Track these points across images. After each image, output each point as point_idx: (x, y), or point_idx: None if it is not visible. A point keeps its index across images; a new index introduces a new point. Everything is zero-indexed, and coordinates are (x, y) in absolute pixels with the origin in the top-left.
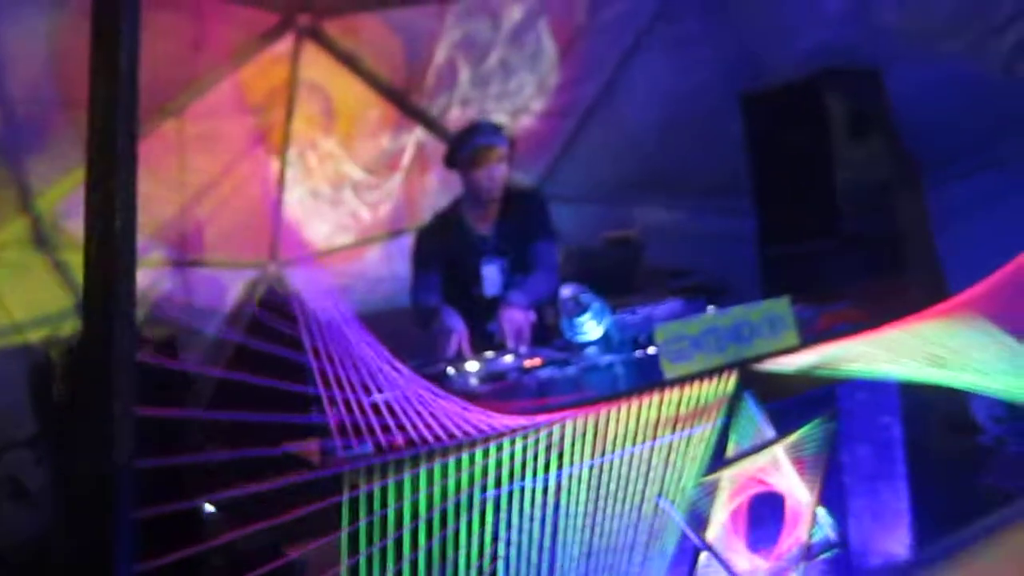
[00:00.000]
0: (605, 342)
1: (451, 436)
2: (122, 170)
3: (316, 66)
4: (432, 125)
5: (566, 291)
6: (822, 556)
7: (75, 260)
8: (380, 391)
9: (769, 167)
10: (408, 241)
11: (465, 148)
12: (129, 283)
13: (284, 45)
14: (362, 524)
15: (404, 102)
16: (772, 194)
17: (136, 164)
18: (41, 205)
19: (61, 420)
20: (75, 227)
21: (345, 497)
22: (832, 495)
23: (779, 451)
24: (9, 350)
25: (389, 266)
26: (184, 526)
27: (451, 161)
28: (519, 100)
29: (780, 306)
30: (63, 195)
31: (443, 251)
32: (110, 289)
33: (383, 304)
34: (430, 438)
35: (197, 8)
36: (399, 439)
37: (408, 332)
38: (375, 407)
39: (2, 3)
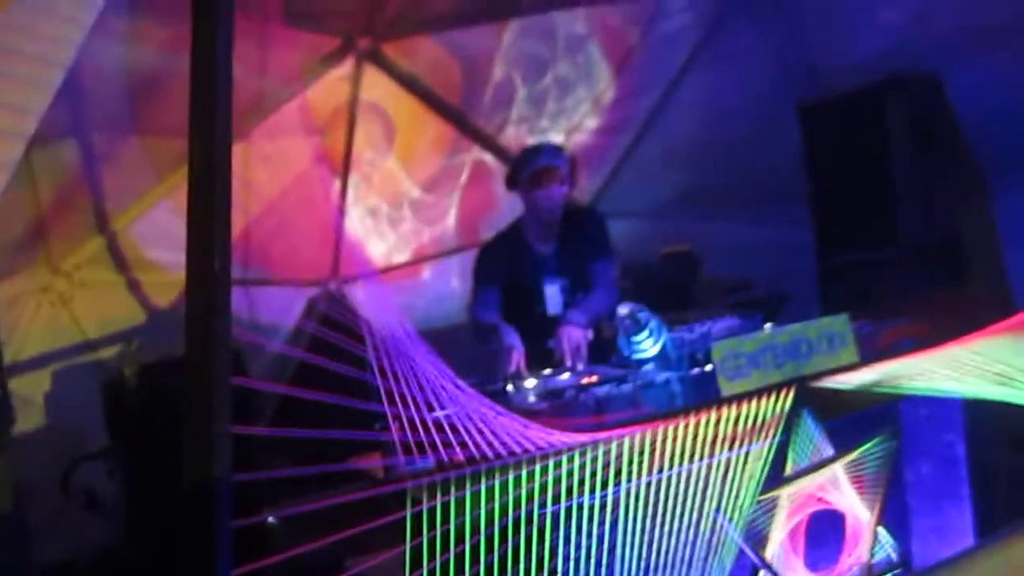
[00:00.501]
0: (662, 359)
1: (511, 453)
2: (220, 199)
3: (376, 87)
4: (489, 144)
5: (623, 309)
6: None
7: (147, 279)
8: (443, 408)
9: (828, 177)
10: (465, 259)
11: (526, 169)
12: (227, 307)
13: (345, 68)
14: (424, 539)
15: (462, 121)
16: (831, 204)
17: (231, 194)
18: (116, 226)
19: (134, 434)
20: (148, 247)
21: (407, 512)
22: (895, 514)
23: (839, 469)
24: (83, 365)
25: (447, 283)
26: (250, 539)
27: (512, 182)
28: (575, 118)
29: (839, 323)
30: (137, 217)
31: (503, 269)
32: (211, 313)
33: (442, 322)
34: (491, 455)
35: (262, 33)
36: (460, 455)
37: (466, 349)
38: (437, 424)
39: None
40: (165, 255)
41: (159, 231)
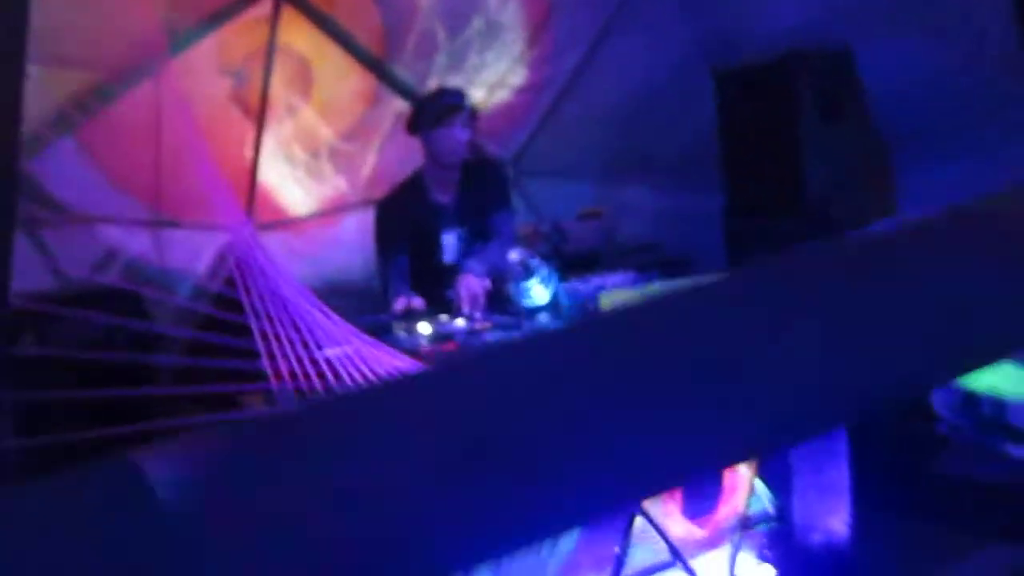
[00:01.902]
0: (555, 309)
1: (379, 379)
2: None
3: (295, 31)
4: (410, 95)
5: (514, 255)
6: (759, 528)
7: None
8: (319, 345)
9: (739, 143)
10: None
11: (431, 107)
12: None
13: (263, 8)
14: None
15: (383, 71)
16: (740, 170)
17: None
18: None
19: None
20: (47, 184)
21: None
22: (774, 470)
23: None
24: None
25: (365, 236)
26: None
27: (415, 124)
28: (496, 73)
29: None
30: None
31: (404, 223)
32: None
33: (358, 273)
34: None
35: None
36: (335, 386)
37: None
38: (314, 363)
39: None
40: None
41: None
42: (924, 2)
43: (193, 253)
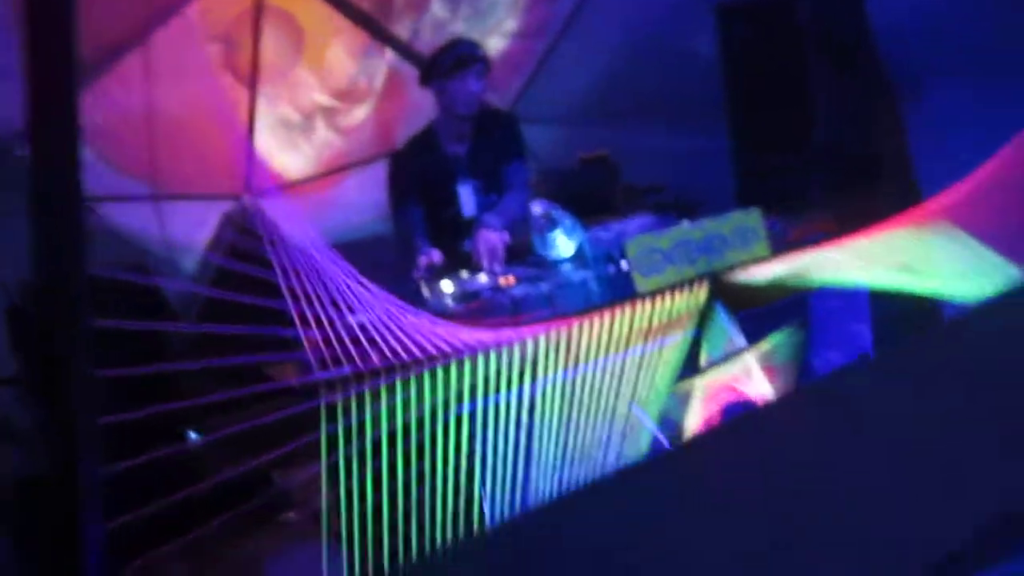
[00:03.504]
0: (578, 259)
1: (423, 351)
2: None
3: None
4: (403, 49)
5: (537, 208)
6: None
7: None
8: (350, 309)
9: (743, 80)
10: (384, 168)
11: (446, 58)
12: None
13: None
14: (340, 450)
15: (374, 26)
16: (746, 107)
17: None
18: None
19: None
20: None
21: (323, 424)
22: None
23: (751, 359)
24: None
25: (365, 194)
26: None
27: (429, 73)
28: (491, 21)
29: (751, 218)
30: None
31: (418, 176)
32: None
33: (361, 233)
34: (404, 355)
35: None
36: (374, 358)
37: (387, 258)
38: (353, 337)
39: None
40: None
41: None
42: None
43: (195, 225)
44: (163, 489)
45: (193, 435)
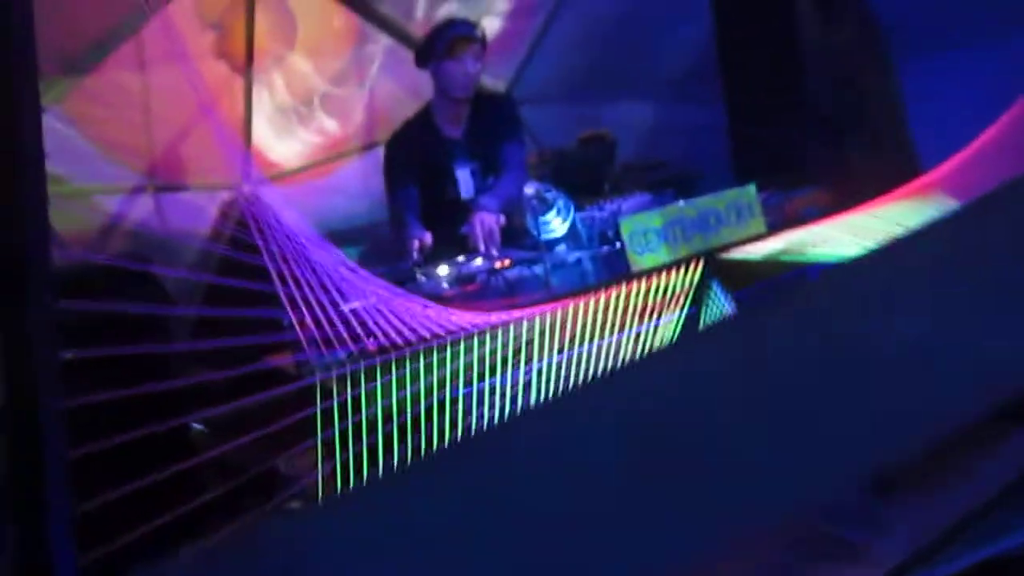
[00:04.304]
0: (573, 239)
1: (415, 333)
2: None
3: None
4: (398, 31)
5: (530, 189)
6: None
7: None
8: (340, 293)
9: (737, 49)
10: (381, 154)
11: (442, 40)
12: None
13: None
14: (336, 430)
15: (367, 9)
16: (740, 77)
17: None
18: None
19: None
20: None
21: (319, 405)
22: None
23: None
24: None
25: (365, 181)
26: (173, 444)
27: (425, 56)
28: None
29: (746, 194)
30: None
31: (414, 159)
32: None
33: (361, 219)
34: (400, 342)
35: None
36: (369, 345)
37: (387, 243)
38: (344, 320)
39: None
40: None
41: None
42: None
43: (195, 215)
44: (164, 481)
45: (196, 426)
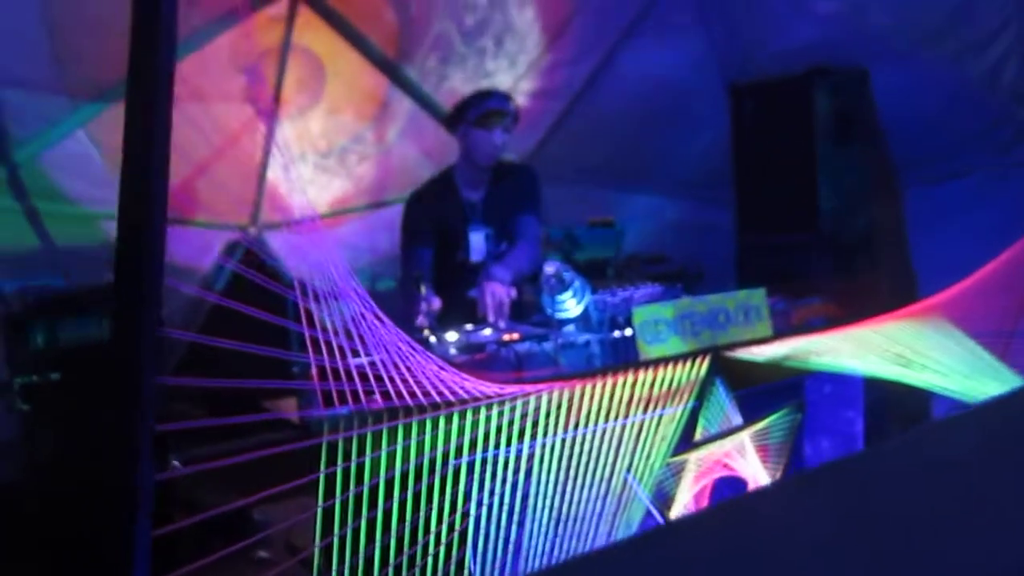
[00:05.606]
0: (584, 321)
1: (426, 394)
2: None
3: (309, 31)
4: (422, 98)
5: (549, 268)
6: None
7: (47, 208)
8: (367, 354)
9: (753, 158)
10: (389, 214)
11: (476, 109)
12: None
13: (279, 7)
14: (339, 471)
15: (395, 73)
16: (753, 185)
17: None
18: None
19: (38, 372)
20: (55, 177)
21: (322, 464)
22: None
23: (745, 437)
24: None
25: (370, 237)
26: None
27: (455, 121)
28: (511, 79)
29: (756, 297)
30: (47, 146)
31: (432, 218)
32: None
33: (364, 276)
34: (406, 394)
35: None
36: (379, 402)
37: (389, 305)
38: (360, 372)
39: None
40: (77, 186)
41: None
42: (943, 30)
43: (200, 250)
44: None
45: (176, 463)
